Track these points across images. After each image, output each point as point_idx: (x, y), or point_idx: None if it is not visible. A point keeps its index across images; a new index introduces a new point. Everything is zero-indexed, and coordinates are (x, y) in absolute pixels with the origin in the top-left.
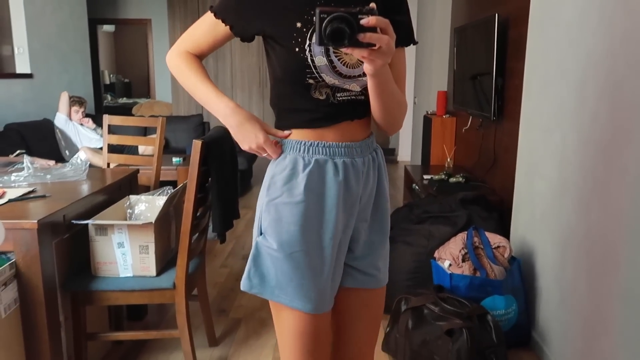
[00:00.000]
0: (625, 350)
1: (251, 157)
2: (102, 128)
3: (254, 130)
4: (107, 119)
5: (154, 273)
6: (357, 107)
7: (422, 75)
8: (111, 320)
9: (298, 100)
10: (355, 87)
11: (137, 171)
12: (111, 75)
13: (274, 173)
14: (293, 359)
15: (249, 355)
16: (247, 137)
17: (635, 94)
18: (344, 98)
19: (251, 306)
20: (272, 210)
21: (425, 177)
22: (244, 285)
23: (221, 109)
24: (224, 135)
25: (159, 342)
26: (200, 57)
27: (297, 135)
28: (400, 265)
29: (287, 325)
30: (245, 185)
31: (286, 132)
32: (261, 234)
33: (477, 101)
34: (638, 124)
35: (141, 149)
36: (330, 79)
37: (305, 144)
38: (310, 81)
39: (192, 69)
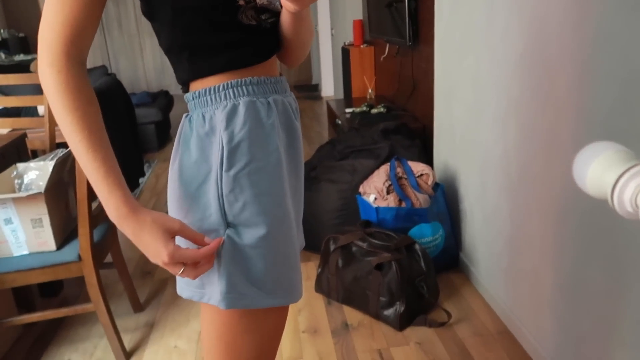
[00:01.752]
0: (547, 265)
1: (166, 106)
2: None
3: (155, 243)
4: None
5: (53, 247)
6: (278, 33)
7: (337, 4)
8: (19, 301)
9: (223, 31)
10: (278, 5)
11: (25, 135)
12: (2, 31)
13: (232, 132)
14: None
15: (178, 315)
16: (149, 252)
17: (546, 7)
18: (270, 21)
19: None
20: (245, 184)
21: (347, 110)
22: (230, 302)
23: (110, 209)
24: (113, 84)
25: (79, 316)
26: (83, 57)
27: (223, 78)
28: (327, 204)
29: (271, 327)
30: (163, 138)
31: (209, 241)
32: (228, 225)
33: (393, 27)
34: (548, 38)
35: (41, 109)
36: None
37: (248, 82)
38: (241, 1)
39: (81, 111)
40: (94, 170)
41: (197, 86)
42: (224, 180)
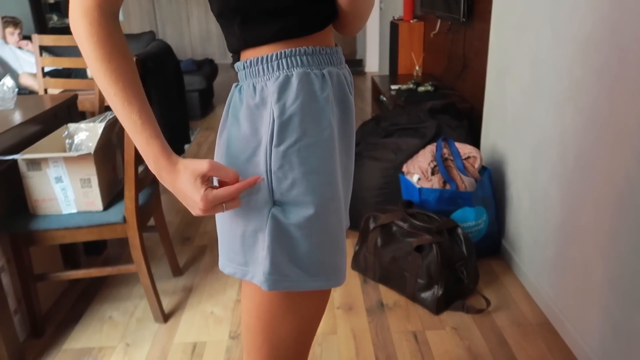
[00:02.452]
0: (598, 258)
1: (210, 74)
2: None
3: (189, 191)
4: (37, 39)
5: (100, 207)
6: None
7: None
8: (66, 258)
9: None
10: None
11: (76, 96)
12: None
13: (284, 105)
14: (307, 345)
15: (216, 283)
16: (187, 202)
17: None
18: None
19: (217, 232)
20: (295, 161)
21: (392, 87)
22: (273, 284)
23: (149, 161)
24: (164, 50)
25: (121, 275)
26: (116, 10)
27: (277, 47)
28: (368, 181)
29: (311, 309)
30: (207, 106)
31: (252, 179)
32: (274, 204)
33: (445, 2)
34: (622, 16)
35: (90, 72)
36: None
37: (302, 52)
38: None
39: (114, 63)
40: (131, 123)
41: (248, 55)
42: (273, 155)
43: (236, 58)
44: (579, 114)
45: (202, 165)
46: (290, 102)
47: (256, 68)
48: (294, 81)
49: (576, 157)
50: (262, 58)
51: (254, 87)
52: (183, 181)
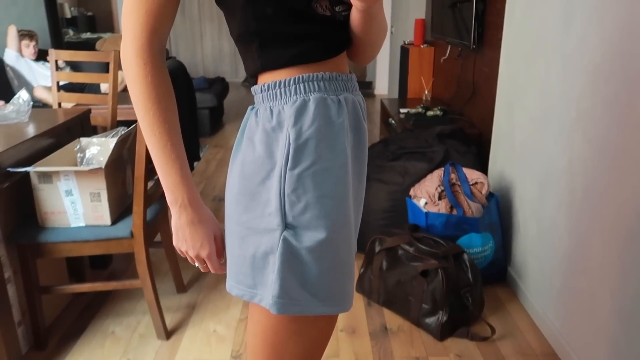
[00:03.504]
0: (605, 289)
1: (221, 92)
2: (64, 65)
3: (203, 237)
4: (53, 54)
5: (108, 222)
6: (349, 28)
7: (399, 2)
8: (72, 271)
9: (297, 21)
10: None
11: (89, 111)
12: (72, 9)
13: (301, 129)
14: None
15: (220, 301)
16: (194, 241)
17: (630, 13)
18: (345, 14)
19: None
20: (309, 185)
21: (402, 110)
22: (281, 308)
23: (177, 196)
24: (178, 68)
25: (125, 290)
26: (164, 48)
27: (294, 72)
28: (375, 204)
29: (318, 334)
30: (216, 124)
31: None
32: (286, 227)
33: (456, 29)
34: (630, 46)
35: (104, 87)
36: None
37: (320, 78)
38: None
39: (164, 105)
40: (170, 161)
41: (266, 78)
42: (287, 178)
43: (253, 81)
44: (588, 144)
45: (220, 229)
46: (307, 127)
47: (274, 92)
48: (311, 106)
49: (584, 187)
50: (280, 82)
51: (271, 110)
52: (201, 230)
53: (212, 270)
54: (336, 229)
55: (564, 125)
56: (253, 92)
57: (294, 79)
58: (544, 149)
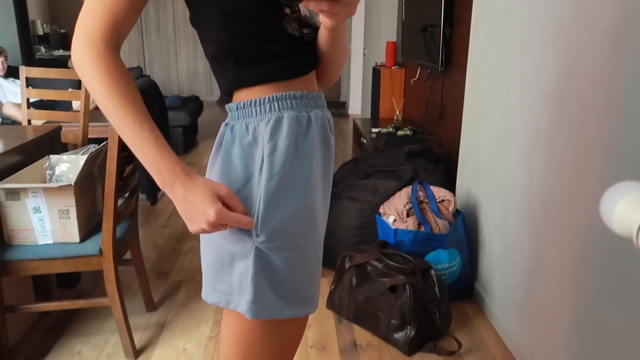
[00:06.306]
0: (563, 303)
1: (195, 111)
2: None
3: (203, 203)
4: (24, 71)
5: (77, 239)
6: (317, 49)
7: (371, 25)
8: (38, 290)
9: (270, 40)
10: (317, 21)
11: (59, 128)
12: (45, 26)
13: (275, 144)
14: None
15: (189, 319)
16: (195, 213)
17: (582, 41)
18: (312, 35)
19: (193, 268)
20: (282, 196)
21: (373, 130)
22: (255, 313)
23: (163, 173)
24: (150, 85)
25: (93, 309)
26: (119, 45)
27: (268, 90)
28: (346, 221)
29: (289, 337)
30: (190, 142)
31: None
32: (258, 235)
33: (426, 51)
34: (583, 72)
35: (75, 104)
36: (302, 7)
37: (292, 96)
38: (287, 9)
39: (122, 87)
40: (143, 140)
41: (241, 97)
42: (262, 190)
43: (227, 99)
44: (546, 163)
45: (222, 188)
46: (281, 141)
47: (249, 109)
48: (285, 122)
49: (543, 204)
50: (255, 101)
51: (247, 127)
52: (199, 194)
53: (241, 226)
54: (305, 236)
55: (524, 145)
56: (228, 110)
57: (269, 97)
58: (507, 167)
